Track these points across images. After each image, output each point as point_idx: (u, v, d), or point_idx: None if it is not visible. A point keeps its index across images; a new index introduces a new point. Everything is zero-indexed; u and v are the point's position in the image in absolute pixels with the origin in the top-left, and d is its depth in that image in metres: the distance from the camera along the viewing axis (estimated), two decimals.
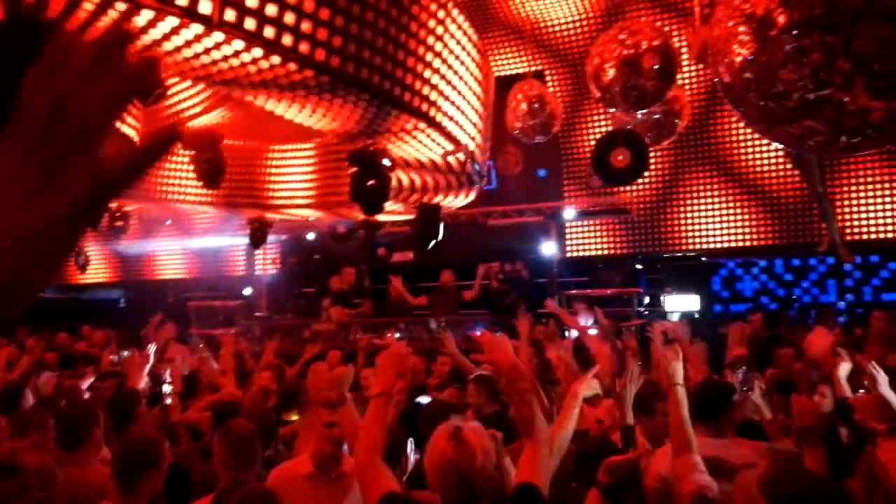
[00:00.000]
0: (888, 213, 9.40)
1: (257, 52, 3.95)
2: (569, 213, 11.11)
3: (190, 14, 3.49)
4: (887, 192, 9.37)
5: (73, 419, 3.14)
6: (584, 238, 11.53)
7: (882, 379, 3.14)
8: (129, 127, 6.70)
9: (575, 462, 2.71)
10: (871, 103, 3.44)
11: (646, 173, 8.54)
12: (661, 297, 11.66)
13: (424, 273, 10.70)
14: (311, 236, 12.73)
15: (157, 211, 12.14)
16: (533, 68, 10.19)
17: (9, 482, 2.18)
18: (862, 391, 3.00)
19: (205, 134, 8.31)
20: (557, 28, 10.24)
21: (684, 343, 5.03)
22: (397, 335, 10.27)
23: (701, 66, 8.20)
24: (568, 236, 11.58)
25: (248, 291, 13.35)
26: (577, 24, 10.06)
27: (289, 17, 3.92)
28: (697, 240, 10.86)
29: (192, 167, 8.86)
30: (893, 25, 3.30)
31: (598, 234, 11.44)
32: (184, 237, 14.23)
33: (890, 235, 9.41)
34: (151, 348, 5.27)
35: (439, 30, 5.07)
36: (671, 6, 9.50)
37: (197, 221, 13.93)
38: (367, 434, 2.33)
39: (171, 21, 3.59)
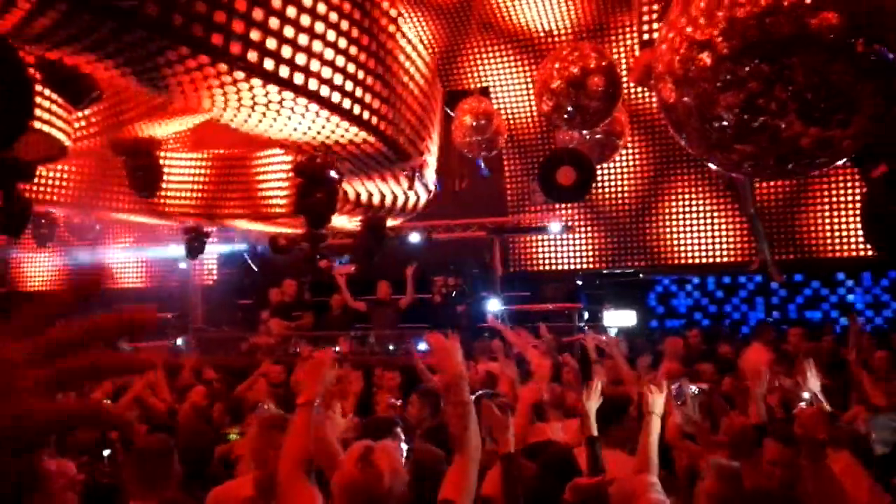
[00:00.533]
0: (812, 233, 9.89)
1: (204, 59, 3.85)
2: (511, 227, 11.25)
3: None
4: (812, 213, 9.87)
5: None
6: (527, 253, 11.68)
7: (812, 375, 3.30)
8: (60, 131, 6.42)
9: (538, 478, 2.72)
10: (804, 130, 3.61)
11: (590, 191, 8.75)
12: (601, 313, 11.92)
13: (368, 285, 10.63)
14: (248, 247, 12.47)
15: (87, 218, 11.66)
16: (479, 84, 10.30)
17: None
18: (803, 404, 3.13)
19: (140, 140, 8.05)
20: (503, 46, 10.41)
21: (619, 358, 5.17)
22: (336, 349, 10.16)
23: (641, 88, 8.47)
24: (512, 251, 11.71)
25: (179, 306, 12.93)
26: (523, 44, 10.25)
27: (238, 27, 3.84)
28: (636, 257, 11.16)
29: (125, 174, 8.55)
30: (824, 56, 3.47)
31: (541, 249, 11.61)
32: (116, 246, 13.70)
33: (813, 255, 9.91)
34: None
35: (389, 44, 5.08)
36: (605, 30, 9.82)
37: (131, 230, 13.44)
38: (291, 446, 2.28)
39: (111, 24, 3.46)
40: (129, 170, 8.37)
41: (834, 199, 9.75)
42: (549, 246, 11.48)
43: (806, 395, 4.17)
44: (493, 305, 11.01)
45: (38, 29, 3.58)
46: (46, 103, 6.15)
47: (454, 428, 2.29)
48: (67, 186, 8.99)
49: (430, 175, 6.92)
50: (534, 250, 11.61)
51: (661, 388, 2.85)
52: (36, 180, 8.31)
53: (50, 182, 8.85)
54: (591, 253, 11.29)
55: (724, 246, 10.49)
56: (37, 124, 6.27)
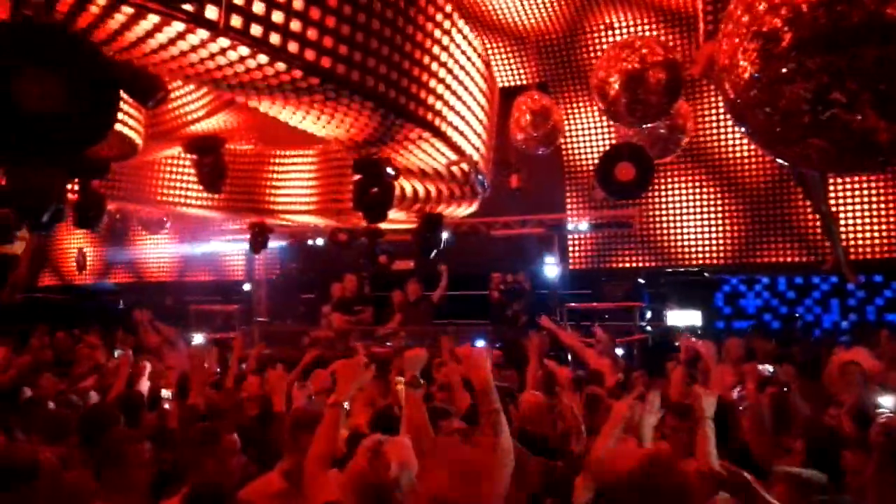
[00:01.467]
0: (892, 233, 9.35)
1: (263, 58, 3.94)
2: (572, 225, 11.09)
3: (196, 19, 3.48)
4: (892, 212, 9.32)
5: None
6: (587, 251, 11.49)
7: None
8: (132, 130, 6.71)
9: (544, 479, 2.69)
10: (877, 123, 3.41)
11: (651, 187, 8.53)
12: (664, 312, 11.61)
13: (428, 282, 10.69)
14: (312, 242, 12.72)
15: (158, 213, 12.14)
16: (537, 80, 10.19)
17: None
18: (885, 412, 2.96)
19: (207, 138, 8.32)
20: (561, 40, 10.26)
21: (711, 363, 4.95)
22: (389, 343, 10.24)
23: (704, 80, 8.20)
24: (571, 249, 11.54)
25: (247, 290, 13.31)
26: (582, 36, 10.07)
27: (294, 25, 3.91)
28: (701, 255, 10.82)
29: (193, 171, 8.87)
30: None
31: (602, 247, 11.40)
32: (184, 240, 14.22)
33: (894, 255, 9.36)
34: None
35: (445, 40, 5.07)
36: (675, 21, 9.51)
37: (197, 225, 13.93)
38: (319, 444, 2.32)
39: (178, 25, 3.59)
40: (197, 167, 8.69)
41: None
42: (610, 243, 11.26)
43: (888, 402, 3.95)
44: (552, 304, 10.89)
45: (108, 31, 3.74)
46: (120, 103, 6.44)
47: (486, 434, 2.30)
48: (138, 182, 9.38)
49: (486, 171, 6.89)
50: (594, 247, 11.42)
51: (710, 391, 2.75)
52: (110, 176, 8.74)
53: (122, 178, 9.25)
54: (653, 251, 11.01)
55: (796, 244, 10.05)
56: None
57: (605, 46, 9.06)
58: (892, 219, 9.29)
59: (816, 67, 3.40)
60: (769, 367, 6.09)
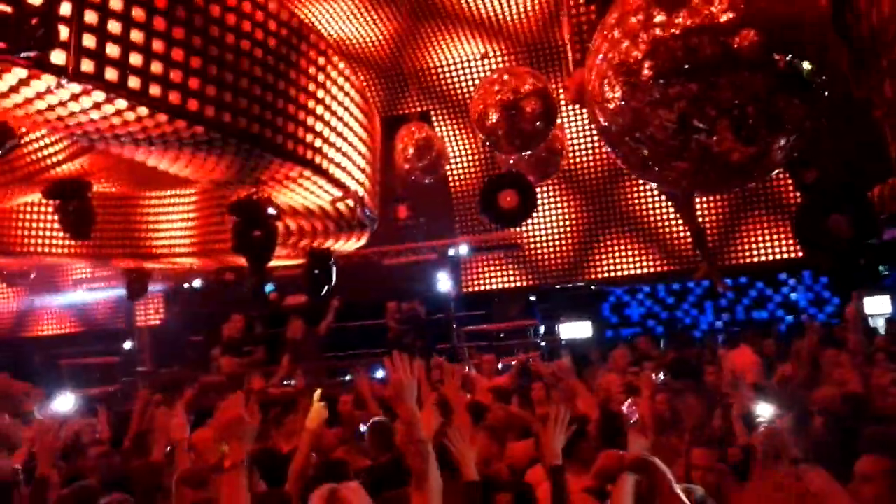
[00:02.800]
0: (753, 241, 10.15)
1: (121, 103, 3.69)
2: (462, 249, 11.21)
3: (40, 65, 3.20)
4: (750, 222, 10.13)
5: None
6: (479, 273, 11.65)
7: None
8: None
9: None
10: (733, 146, 3.63)
11: (536, 210, 8.77)
12: (556, 326, 11.96)
13: (321, 315, 10.43)
14: (196, 283, 12.10)
15: (21, 265, 11.16)
16: (418, 110, 10.29)
17: None
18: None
19: (71, 182, 7.74)
20: (441, 71, 10.42)
21: (571, 380, 5.14)
22: (293, 382, 9.90)
23: (577, 107, 8.57)
24: (463, 273, 11.67)
25: (128, 345, 12.45)
26: (460, 66, 10.29)
27: (156, 67, 3.69)
28: (587, 270, 11.24)
29: (57, 217, 8.20)
30: (748, 74, 3.51)
31: (493, 269, 11.59)
32: (52, 291, 13.14)
33: (755, 259, 10.15)
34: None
35: (320, 77, 4.98)
36: (542, 52, 9.93)
37: (66, 274, 12.92)
38: None
39: (19, 72, 3.28)
40: (61, 212, 8.04)
41: (771, 203, 10.03)
42: (501, 265, 11.48)
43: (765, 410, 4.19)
44: (448, 328, 10.93)
45: None
46: None
47: (414, 465, 2.31)
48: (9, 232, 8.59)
49: (371, 204, 6.82)
50: (485, 270, 11.59)
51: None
52: None
53: None
54: (542, 269, 11.32)
55: (672, 255, 10.66)
56: None
57: (481, 75, 9.28)
58: (751, 227, 10.08)
59: (676, 95, 3.59)
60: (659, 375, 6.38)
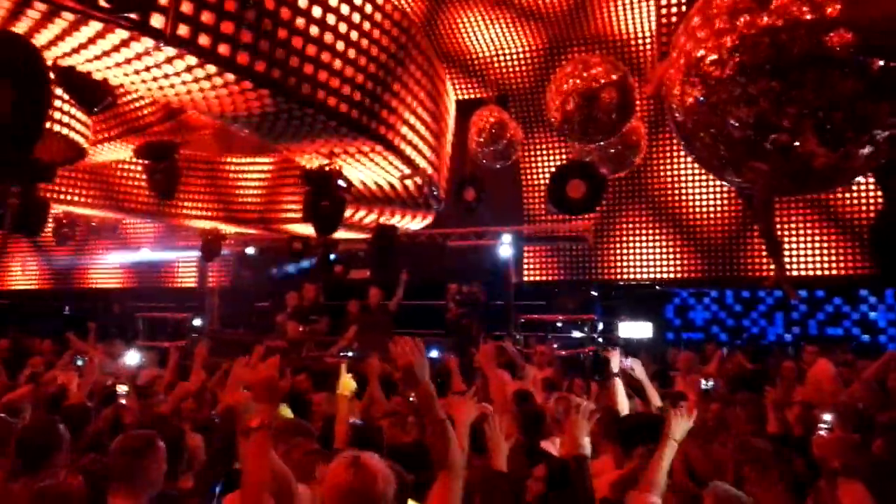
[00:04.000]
0: (832, 252, 9.69)
1: (211, 68, 3.87)
2: (527, 238, 11.17)
3: (140, 27, 3.40)
4: (829, 232, 9.67)
5: (37, 441, 3.02)
6: (541, 263, 11.59)
7: None
8: (78, 133, 6.52)
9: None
10: (816, 149, 3.51)
11: (604, 202, 8.67)
12: (615, 324, 11.78)
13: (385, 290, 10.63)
14: (265, 250, 12.53)
15: (110, 219, 11.82)
16: (495, 94, 10.26)
17: None
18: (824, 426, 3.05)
19: (160, 143, 8.14)
20: (517, 56, 10.36)
21: (645, 381, 5.04)
22: (350, 354, 10.15)
23: (654, 99, 8.37)
24: (525, 261, 11.63)
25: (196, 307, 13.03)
26: (534, 53, 10.19)
27: (245, 36, 3.85)
28: (652, 269, 11.02)
29: (145, 177, 8.66)
30: (838, 72, 3.38)
31: (556, 260, 11.51)
32: (134, 247, 13.87)
33: (834, 272, 9.70)
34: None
35: (400, 54, 5.07)
36: (627, 42, 9.71)
37: (148, 232, 13.60)
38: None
39: (121, 34, 3.49)
40: (148, 173, 8.48)
41: (857, 213, 9.54)
42: (565, 256, 11.38)
43: (827, 416, 4.07)
44: (506, 315, 10.94)
45: (49, 36, 3.63)
46: (66, 107, 6.26)
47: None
48: (87, 187, 9.13)
49: (440, 184, 6.89)
50: (549, 260, 11.52)
51: (687, 413, 2.80)
52: (56, 180, 8.48)
53: (69, 183, 8.98)
54: (606, 263, 11.17)
55: (743, 259, 10.32)
56: (56, 127, 6.39)
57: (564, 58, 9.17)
58: (832, 238, 9.62)
59: (758, 93, 3.50)
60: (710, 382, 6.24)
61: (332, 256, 9.86)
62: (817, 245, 9.73)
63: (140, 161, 8.78)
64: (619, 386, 4.56)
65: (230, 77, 3.96)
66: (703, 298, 12.76)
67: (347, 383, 3.93)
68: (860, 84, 3.21)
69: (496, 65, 10.20)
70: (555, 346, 8.09)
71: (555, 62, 9.67)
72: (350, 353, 10.09)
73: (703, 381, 4.80)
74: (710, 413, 4.82)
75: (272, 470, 2.31)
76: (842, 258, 9.69)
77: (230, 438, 3.32)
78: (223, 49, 3.76)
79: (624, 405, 4.24)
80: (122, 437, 2.80)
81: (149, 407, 4.93)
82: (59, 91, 5.90)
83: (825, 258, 9.73)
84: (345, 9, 4.28)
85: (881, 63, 3.18)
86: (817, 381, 6.10)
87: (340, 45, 4.40)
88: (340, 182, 5.27)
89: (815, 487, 2.96)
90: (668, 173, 10.77)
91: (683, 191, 10.65)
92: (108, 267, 14.37)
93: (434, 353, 9.57)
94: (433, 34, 9.29)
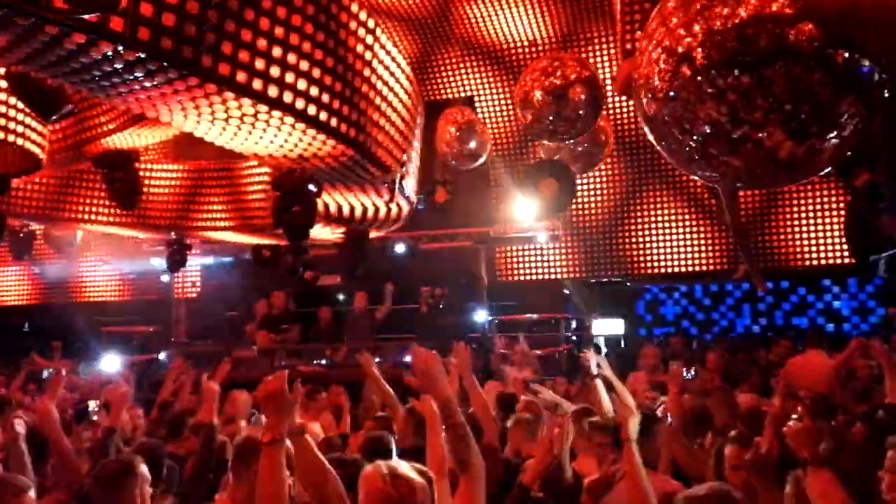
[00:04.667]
0: (797, 243, 9.87)
1: (173, 73, 3.76)
2: (497, 237, 11.17)
3: (99, 31, 3.28)
4: (799, 223, 9.85)
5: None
6: (513, 263, 11.60)
7: None
8: (35, 144, 6.30)
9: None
10: (784, 141, 3.54)
11: (574, 201, 8.70)
12: (588, 322, 11.87)
13: (351, 296, 10.55)
14: (232, 259, 12.33)
15: (65, 231, 11.49)
16: (464, 94, 10.25)
17: None
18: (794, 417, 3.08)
19: (119, 153, 7.94)
20: (488, 56, 10.36)
21: (614, 379, 5.06)
22: (323, 361, 10.04)
23: (624, 98, 8.44)
24: (498, 261, 11.64)
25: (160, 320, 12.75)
26: (512, 49, 10.20)
27: (209, 38, 3.75)
28: (624, 265, 11.11)
29: (105, 187, 8.43)
30: (803, 66, 3.41)
31: (528, 258, 11.53)
32: (96, 259, 13.51)
33: (798, 263, 9.89)
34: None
35: (367, 55, 5.01)
36: (591, 41, 9.78)
37: (110, 243, 13.26)
38: (265, 485, 2.18)
39: (77, 38, 3.37)
40: (108, 182, 8.26)
41: (819, 205, 9.74)
42: (536, 255, 11.41)
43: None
44: (480, 316, 10.93)
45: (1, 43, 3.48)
46: (20, 116, 6.06)
47: (455, 451, 2.27)
48: (43, 199, 8.86)
49: (411, 186, 6.84)
50: (520, 260, 11.54)
51: (632, 410, 2.83)
52: (11, 192, 8.20)
53: (24, 194, 8.71)
54: (577, 262, 11.23)
55: (710, 254, 10.45)
56: (10, 137, 6.18)
57: (528, 60, 9.19)
58: (798, 230, 9.80)
59: (727, 87, 3.52)
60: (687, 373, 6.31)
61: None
62: (782, 237, 9.91)
63: (98, 171, 8.55)
64: (600, 387, 4.59)
65: (193, 81, 3.86)
66: (674, 293, 12.95)
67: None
68: (826, 77, 3.25)
69: (464, 65, 10.18)
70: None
71: (522, 62, 9.68)
72: (324, 362, 10.00)
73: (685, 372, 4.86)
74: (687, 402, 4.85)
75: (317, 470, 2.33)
76: (805, 248, 9.88)
77: (209, 455, 3.25)
78: (187, 53, 3.66)
79: (607, 405, 4.27)
80: (101, 465, 2.72)
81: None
82: (13, 99, 5.72)
83: (789, 249, 9.91)
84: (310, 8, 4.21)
85: (846, 55, 3.23)
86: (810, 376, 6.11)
87: (306, 46, 4.32)
88: (311, 186, 5.18)
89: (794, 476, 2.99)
90: (640, 169, 10.87)
91: (656, 186, 10.75)
92: (70, 280, 13.98)
93: (408, 358, 9.51)
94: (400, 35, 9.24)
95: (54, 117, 5.20)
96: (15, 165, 6.72)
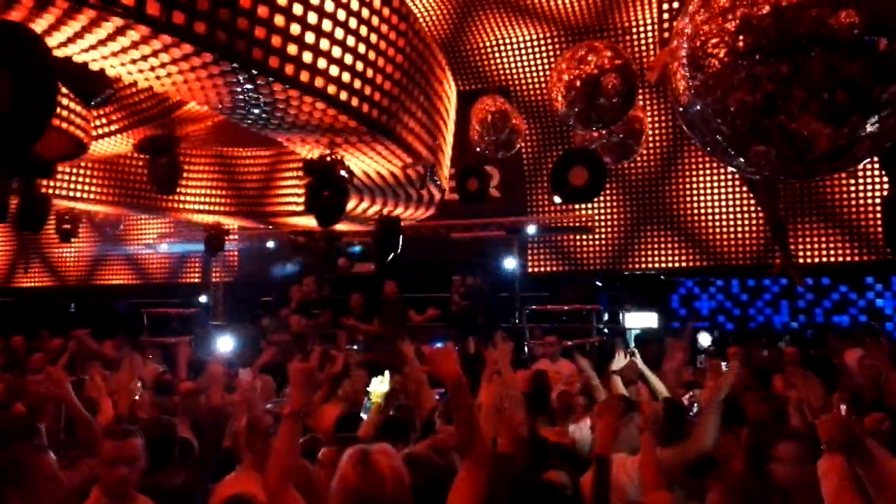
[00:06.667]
0: (838, 238, 9.62)
1: (208, 56, 3.84)
2: (531, 228, 11.13)
3: (138, 14, 3.36)
4: (837, 217, 9.59)
5: None
6: (545, 254, 11.55)
7: None
8: (78, 128, 6.48)
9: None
10: (821, 130, 3.46)
11: (606, 192, 8.62)
12: (621, 314, 11.74)
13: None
14: (270, 245, 12.53)
15: (110, 215, 11.82)
16: (497, 84, 10.22)
17: None
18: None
19: (160, 137, 8.12)
20: (522, 45, 10.30)
21: (647, 371, 5.08)
22: (354, 347, 10.16)
23: (659, 87, 8.31)
24: (530, 251, 11.60)
25: (203, 299, 13.05)
26: (541, 42, 10.13)
27: (241, 22, 3.81)
28: (657, 258, 10.97)
29: (146, 171, 8.65)
30: (842, 53, 3.33)
31: (560, 249, 11.47)
32: (137, 242, 13.88)
33: (840, 259, 9.63)
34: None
35: (400, 41, 5.02)
36: (629, 30, 9.63)
37: (151, 227, 13.61)
38: (278, 458, 2.24)
39: (116, 21, 3.46)
40: (150, 167, 8.47)
41: (861, 199, 9.46)
42: (568, 246, 11.35)
43: None
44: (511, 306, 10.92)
45: (43, 25, 3.60)
46: (64, 101, 6.23)
47: (461, 433, 2.26)
48: (88, 183, 9.12)
49: (442, 174, 6.85)
50: (553, 250, 11.48)
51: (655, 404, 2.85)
52: (57, 177, 8.47)
53: (70, 179, 8.97)
54: (610, 254, 11.13)
55: (746, 248, 10.25)
56: (55, 122, 6.36)
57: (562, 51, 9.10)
58: (837, 224, 9.55)
59: (764, 75, 3.44)
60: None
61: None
62: (822, 232, 9.66)
63: (140, 156, 8.77)
64: (618, 382, 4.76)
65: (227, 66, 3.93)
66: (709, 288, 12.70)
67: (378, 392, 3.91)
68: (867, 64, 3.16)
69: (498, 55, 10.14)
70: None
71: (557, 51, 9.61)
72: (355, 347, 10.12)
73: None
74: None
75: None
76: (847, 245, 9.62)
77: (220, 434, 3.35)
78: (222, 36, 3.72)
79: None
80: None
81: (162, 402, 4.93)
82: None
83: (830, 245, 9.66)
84: None
85: (886, 43, 3.13)
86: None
87: (339, 33, 4.35)
88: (342, 172, 5.24)
89: None
90: (673, 163, 10.70)
91: (689, 181, 10.59)
92: (112, 263, 14.39)
93: (439, 345, 9.56)
94: (432, 24, 9.24)
95: (95, 101, 5.33)
96: (59, 150, 6.93)
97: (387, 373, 4.10)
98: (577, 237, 11.16)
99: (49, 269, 14.74)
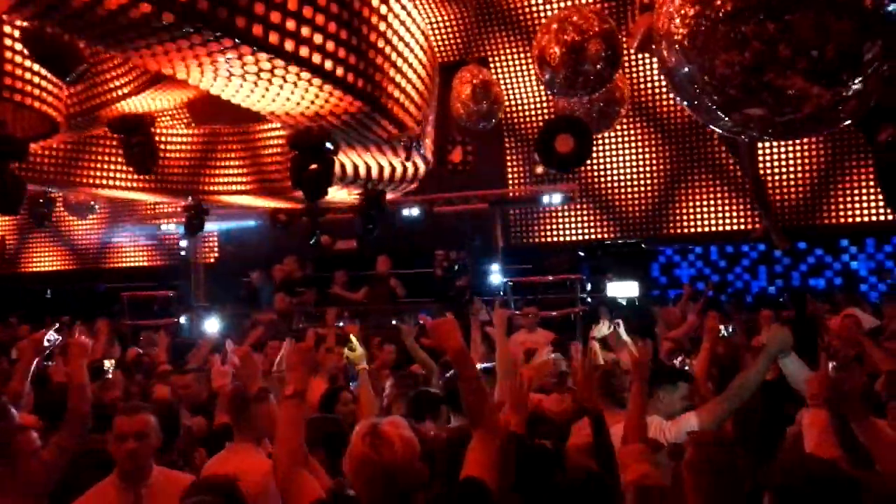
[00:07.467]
0: (814, 200, 9.76)
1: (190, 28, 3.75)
2: (512, 200, 11.14)
3: None
4: (814, 179, 9.72)
5: None
6: (528, 225, 11.58)
7: None
8: (51, 107, 6.32)
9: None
10: (809, 89, 3.48)
11: (588, 162, 8.64)
12: (603, 284, 11.85)
13: (369, 261, 10.59)
14: (251, 223, 12.40)
15: (85, 197, 11.59)
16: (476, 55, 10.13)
17: None
18: None
19: (135, 117, 7.95)
20: (503, 12, 10.21)
21: (628, 340, 5.14)
22: (341, 323, 10.14)
23: (642, 54, 8.31)
24: (512, 223, 11.62)
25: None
26: (525, 8, 10.04)
27: None
28: (637, 227, 11.06)
29: (121, 152, 8.47)
30: (831, 12, 3.34)
31: (542, 221, 11.50)
32: (115, 224, 13.64)
33: (817, 222, 9.79)
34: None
35: (383, 9, 4.95)
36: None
37: (129, 208, 13.37)
38: (284, 440, 2.24)
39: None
40: (125, 147, 8.29)
41: (837, 163, 9.60)
42: (551, 217, 11.38)
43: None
44: (495, 279, 10.96)
45: None
46: (36, 79, 6.06)
47: (468, 403, 2.26)
48: (61, 164, 8.92)
49: (427, 146, 6.81)
50: (535, 222, 11.51)
51: (647, 352, 2.93)
52: (29, 158, 8.27)
53: (43, 160, 8.77)
54: (592, 224, 11.19)
55: (726, 215, 10.38)
56: (28, 101, 6.19)
57: (544, 18, 9.06)
58: (814, 186, 9.69)
59: (751, 35, 3.44)
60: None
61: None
62: (801, 193, 9.81)
63: (114, 136, 8.58)
64: (596, 348, 4.86)
65: (209, 35, 3.84)
66: (688, 255, 12.87)
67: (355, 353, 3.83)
68: (854, 22, 3.18)
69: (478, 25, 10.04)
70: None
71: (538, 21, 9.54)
72: (341, 324, 10.10)
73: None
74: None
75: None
76: (824, 207, 9.78)
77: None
78: (203, 5, 3.64)
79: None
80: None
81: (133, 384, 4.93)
82: (29, 62, 5.72)
83: (808, 207, 9.82)
84: None
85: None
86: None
87: (323, 1, 4.28)
88: (328, 145, 5.17)
89: None
90: (654, 127, 10.75)
91: (668, 146, 10.64)
92: (91, 246, 14.15)
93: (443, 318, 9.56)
94: None
95: (70, 77, 5.20)
96: (32, 130, 6.76)
97: (352, 337, 3.98)
98: (559, 208, 11.19)
99: (23, 255, 14.46)
